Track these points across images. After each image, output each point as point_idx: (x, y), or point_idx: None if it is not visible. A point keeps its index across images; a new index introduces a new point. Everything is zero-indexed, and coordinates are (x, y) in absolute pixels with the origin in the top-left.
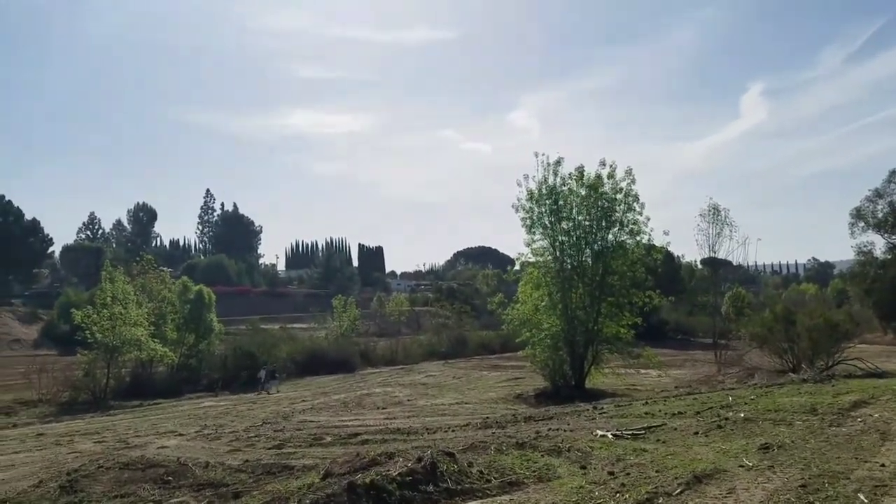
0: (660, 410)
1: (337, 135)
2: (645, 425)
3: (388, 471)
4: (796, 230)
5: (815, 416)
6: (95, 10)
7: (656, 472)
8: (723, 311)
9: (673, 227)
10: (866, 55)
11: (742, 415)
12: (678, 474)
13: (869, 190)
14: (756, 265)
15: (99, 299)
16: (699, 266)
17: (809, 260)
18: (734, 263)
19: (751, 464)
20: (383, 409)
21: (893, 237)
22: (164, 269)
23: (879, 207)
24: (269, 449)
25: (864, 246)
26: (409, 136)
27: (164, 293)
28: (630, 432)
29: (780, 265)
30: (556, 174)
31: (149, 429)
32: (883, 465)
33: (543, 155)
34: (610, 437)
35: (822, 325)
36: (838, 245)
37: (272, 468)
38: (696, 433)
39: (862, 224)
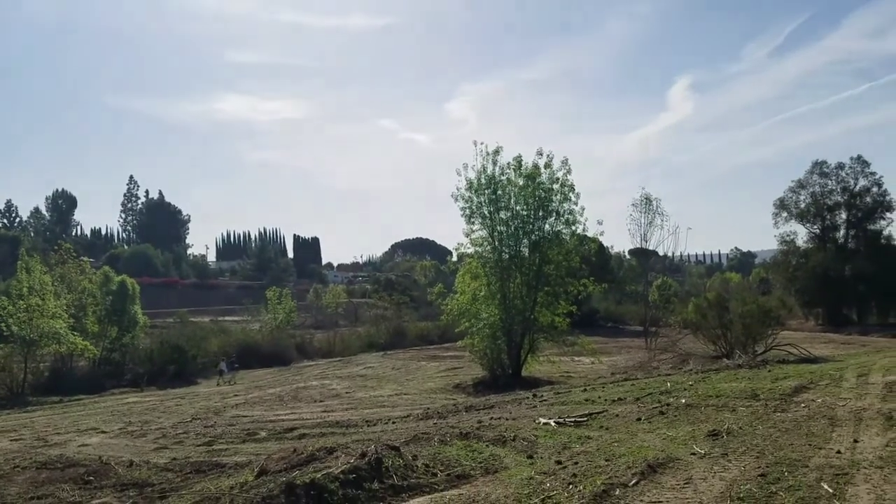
0: (599, 397)
1: (272, 122)
2: (587, 412)
3: (330, 468)
4: (720, 221)
5: (758, 401)
6: None
7: (605, 460)
8: (650, 299)
9: (606, 217)
10: (789, 50)
11: (683, 401)
12: (630, 463)
13: (792, 181)
14: (682, 255)
15: (14, 290)
16: (628, 256)
17: (732, 249)
18: (665, 252)
19: (702, 451)
20: (321, 402)
21: (815, 227)
22: (85, 258)
23: (802, 198)
24: (199, 446)
25: (787, 235)
26: (346, 125)
27: (85, 284)
28: (573, 420)
29: (703, 255)
30: (494, 163)
31: (69, 426)
32: (839, 452)
33: (482, 144)
34: (553, 424)
35: (754, 311)
36: (760, 235)
37: (202, 466)
38: (639, 419)
39: (785, 214)
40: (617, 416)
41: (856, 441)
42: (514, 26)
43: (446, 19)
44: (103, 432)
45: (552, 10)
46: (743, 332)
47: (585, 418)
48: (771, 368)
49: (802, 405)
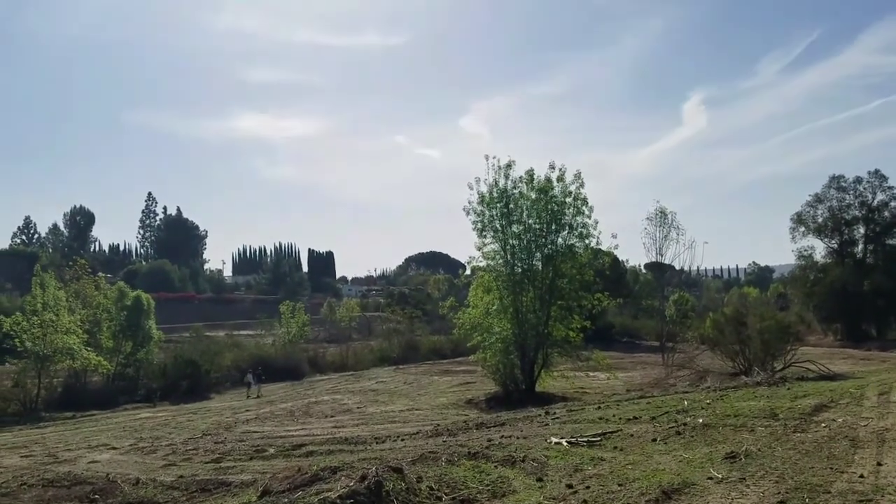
0: (614, 415)
1: (287, 139)
2: (600, 431)
3: (331, 491)
4: (737, 235)
5: (777, 421)
6: (38, 7)
7: (619, 485)
8: (666, 314)
9: (619, 232)
10: (803, 65)
11: (700, 420)
12: (644, 489)
13: (809, 195)
14: (698, 269)
15: (29, 306)
16: (643, 270)
17: (750, 264)
18: (680, 267)
19: (720, 475)
20: (331, 417)
21: (833, 242)
22: (101, 274)
23: (819, 213)
24: (207, 463)
25: (805, 250)
26: (359, 141)
27: (100, 299)
28: (585, 439)
29: (720, 269)
30: (507, 177)
31: (80, 442)
32: (862, 477)
33: (494, 158)
34: (565, 444)
35: (773, 327)
36: (777, 250)
37: (207, 485)
38: (654, 440)
39: (802, 229)
40: (631, 436)
41: (879, 464)
42: (527, 42)
43: (458, 36)
44: (114, 448)
45: (565, 25)
46: (761, 349)
47: (599, 438)
48: (790, 386)
49: (823, 425)
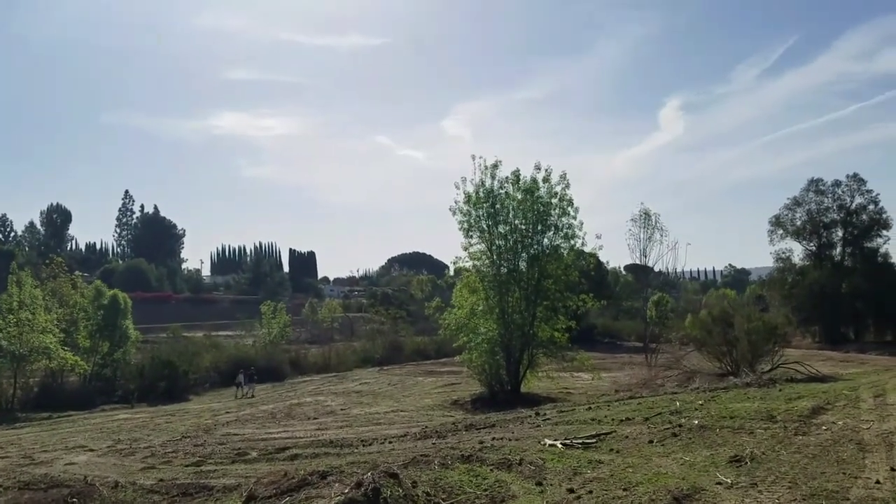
0: (606, 416)
1: (267, 138)
2: (594, 433)
3: (322, 496)
4: (713, 238)
5: (775, 423)
6: (17, 8)
7: (623, 490)
8: (647, 315)
9: (600, 234)
10: (779, 72)
11: (696, 422)
12: (652, 494)
13: (787, 198)
14: (680, 271)
15: (5, 304)
16: (623, 272)
17: (726, 266)
18: (664, 268)
19: (728, 480)
20: (314, 419)
21: (811, 244)
22: (78, 273)
23: (798, 215)
24: (187, 466)
25: (783, 253)
26: (342, 141)
27: (76, 298)
28: (580, 441)
29: (697, 271)
30: (493, 177)
31: (57, 443)
32: (878, 483)
33: (481, 158)
34: (560, 446)
35: (760, 328)
36: (753, 253)
37: (189, 489)
38: (651, 441)
39: (780, 231)
40: (627, 437)
41: (893, 469)
42: (509, 47)
43: (441, 39)
44: (91, 450)
45: (546, 31)
46: (749, 350)
47: (594, 440)
48: (782, 388)
49: (824, 428)
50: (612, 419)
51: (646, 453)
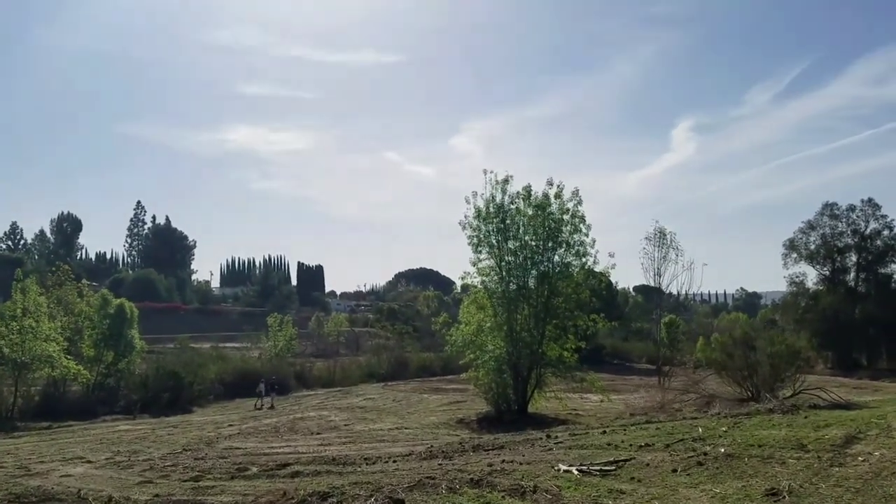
0: (622, 441)
1: (279, 152)
2: (612, 459)
3: None
4: (725, 261)
5: (807, 453)
6: (30, 16)
7: None
8: (658, 337)
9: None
10: (791, 96)
11: (722, 450)
12: None
13: (802, 222)
14: (696, 292)
15: (8, 311)
16: (633, 293)
17: (738, 290)
18: (679, 288)
19: None
20: (318, 434)
21: (825, 269)
22: (86, 281)
23: (812, 239)
24: (185, 481)
25: (797, 277)
26: (352, 157)
27: (82, 307)
28: (598, 468)
29: (708, 294)
30: (504, 192)
31: (55, 454)
32: None
33: (492, 172)
34: (576, 472)
35: (783, 352)
36: (765, 276)
37: None
38: (675, 470)
39: (795, 255)
40: (647, 465)
41: None
42: (521, 64)
43: (454, 57)
44: (89, 462)
45: (558, 49)
46: (771, 374)
47: (612, 466)
48: (807, 414)
49: (860, 459)
50: (630, 444)
51: (670, 483)
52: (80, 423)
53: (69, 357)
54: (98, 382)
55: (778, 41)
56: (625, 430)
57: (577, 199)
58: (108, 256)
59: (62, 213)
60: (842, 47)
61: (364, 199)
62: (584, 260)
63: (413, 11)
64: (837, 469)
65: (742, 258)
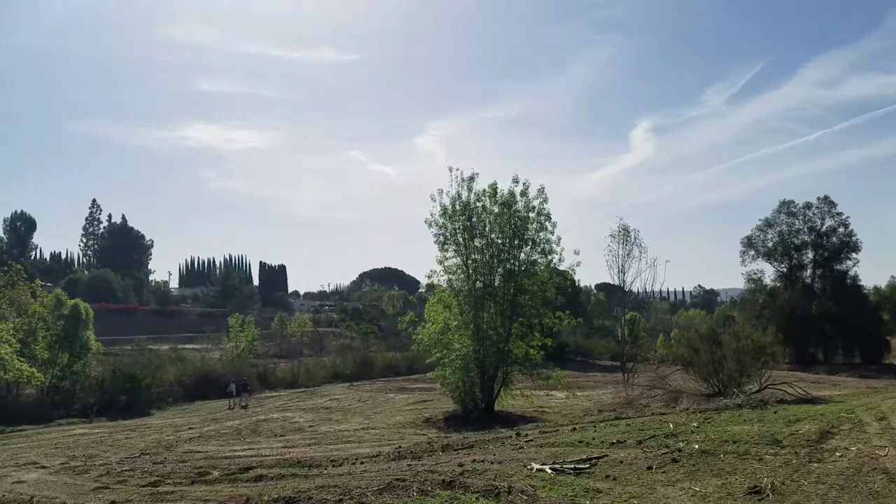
0: (594, 438)
1: (239, 150)
2: (585, 457)
3: None
4: (683, 258)
5: (783, 448)
6: None
7: None
8: (619, 334)
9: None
10: (746, 97)
11: (696, 446)
12: None
13: (759, 220)
14: (656, 288)
15: None
16: (595, 290)
17: (695, 287)
18: (643, 285)
19: None
20: (281, 436)
21: (782, 266)
22: (39, 281)
23: (769, 237)
24: (143, 486)
25: (755, 274)
26: (313, 156)
27: (35, 307)
28: (571, 466)
29: (668, 291)
30: (470, 190)
31: (7, 459)
32: None
33: (458, 170)
34: (549, 471)
35: (749, 348)
36: (722, 274)
37: None
38: (651, 468)
39: (752, 252)
40: (621, 462)
41: None
42: (481, 66)
43: (414, 58)
44: (43, 467)
45: (518, 51)
46: (737, 369)
47: (585, 464)
48: (776, 409)
49: (838, 454)
50: (602, 442)
51: (647, 482)
52: (35, 428)
53: (22, 359)
54: (53, 385)
55: (732, 45)
56: (595, 426)
57: (543, 196)
58: (64, 256)
59: (15, 211)
60: (794, 50)
61: (327, 198)
62: (549, 258)
63: (370, 13)
64: (816, 465)
65: (699, 256)
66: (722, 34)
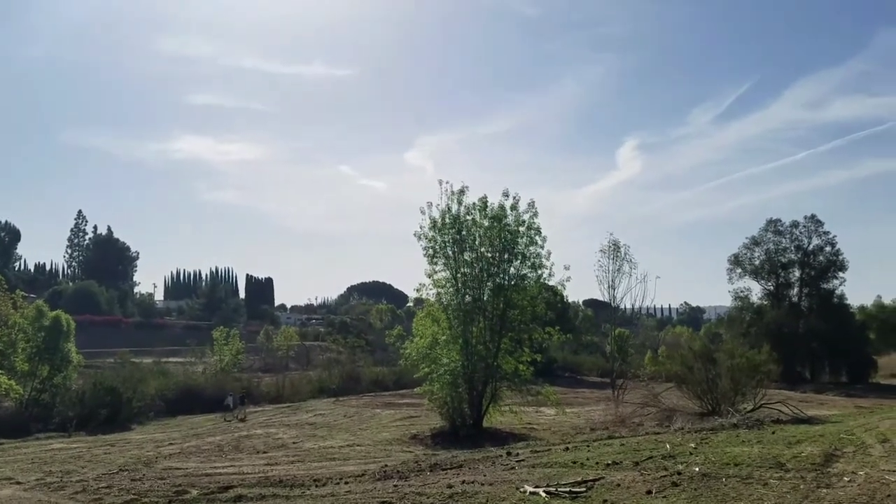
0: (588, 458)
1: (228, 163)
2: (580, 479)
3: None
4: (669, 276)
5: (788, 472)
6: None
7: None
8: (607, 350)
9: (560, 269)
10: (732, 117)
11: (696, 469)
12: None
13: (746, 238)
14: (646, 304)
15: None
16: (583, 306)
17: (682, 304)
18: (633, 301)
19: None
20: (264, 453)
21: (769, 284)
22: (20, 291)
23: (756, 255)
24: None
25: (741, 291)
26: (303, 169)
27: (16, 319)
28: (567, 489)
29: (654, 308)
30: (459, 203)
31: None
32: None
33: (447, 183)
34: (543, 494)
35: (744, 365)
36: (708, 291)
37: None
38: (650, 492)
39: (739, 270)
40: (619, 485)
41: None
42: (472, 82)
43: (405, 72)
44: (18, 483)
45: (508, 67)
46: (731, 388)
47: (582, 487)
48: (773, 430)
49: (846, 479)
50: (597, 462)
51: None
52: (12, 442)
53: (1, 371)
54: (32, 398)
55: (718, 65)
56: (588, 446)
57: (533, 210)
58: (48, 267)
59: (0, 222)
60: (777, 72)
61: (316, 211)
62: (539, 272)
63: (363, 29)
64: (825, 491)
65: (686, 273)
66: (709, 55)
